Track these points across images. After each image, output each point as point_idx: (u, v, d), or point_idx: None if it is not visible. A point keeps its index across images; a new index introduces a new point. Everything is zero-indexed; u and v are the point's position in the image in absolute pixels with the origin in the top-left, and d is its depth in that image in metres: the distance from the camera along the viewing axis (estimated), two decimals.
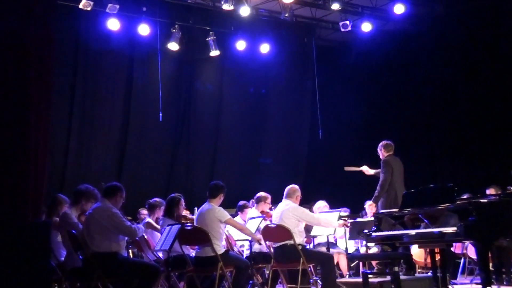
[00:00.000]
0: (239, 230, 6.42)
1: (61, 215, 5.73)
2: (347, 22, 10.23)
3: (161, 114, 9.98)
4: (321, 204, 7.92)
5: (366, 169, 7.90)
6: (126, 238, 5.48)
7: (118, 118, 10.26)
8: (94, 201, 5.76)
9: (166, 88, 10.35)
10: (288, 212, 6.15)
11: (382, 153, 7.62)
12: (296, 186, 6.46)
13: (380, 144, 7.71)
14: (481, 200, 5.64)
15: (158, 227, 6.49)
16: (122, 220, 5.13)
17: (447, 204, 5.60)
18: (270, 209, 7.25)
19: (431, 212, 5.78)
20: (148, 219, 6.83)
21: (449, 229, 5.46)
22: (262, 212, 7.07)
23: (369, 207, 7.85)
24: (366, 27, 10.59)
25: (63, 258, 5.77)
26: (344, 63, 11.56)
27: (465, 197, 6.32)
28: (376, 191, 7.40)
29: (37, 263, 4.47)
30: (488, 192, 7.63)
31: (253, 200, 7.43)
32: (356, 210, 8.65)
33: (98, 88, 10.02)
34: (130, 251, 7.40)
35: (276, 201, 6.78)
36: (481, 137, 9.91)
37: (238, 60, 11.10)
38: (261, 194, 7.31)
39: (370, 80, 11.55)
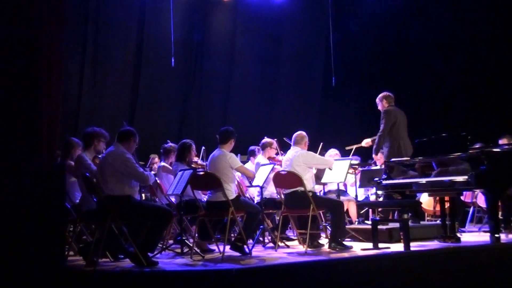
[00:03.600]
0: (249, 177, 6.49)
1: (76, 158, 5.81)
2: None
3: (173, 60, 9.91)
4: (333, 152, 7.95)
5: (366, 142, 7.72)
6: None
7: (130, 63, 10.24)
8: (105, 140, 5.83)
9: (178, 33, 10.24)
10: (299, 158, 6.16)
11: (383, 104, 7.48)
12: (304, 133, 6.43)
13: (381, 95, 7.53)
14: (494, 149, 5.62)
15: (172, 169, 6.59)
16: (135, 166, 5.19)
17: (459, 153, 5.59)
18: (277, 154, 7.27)
19: (443, 161, 5.78)
20: (163, 163, 6.92)
21: (460, 178, 5.49)
22: (269, 158, 7.10)
23: (377, 158, 7.82)
24: None
25: (78, 201, 5.89)
26: (361, 9, 11.28)
27: (477, 146, 6.29)
28: (375, 143, 7.36)
29: (52, 205, 4.57)
30: (500, 142, 7.59)
31: (259, 147, 7.44)
32: (367, 158, 8.67)
33: (110, 33, 9.95)
34: (143, 195, 7.54)
35: (288, 149, 6.78)
36: (495, 86, 9.77)
37: (251, 5, 10.90)
38: (266, 140, 7.31)
39: (386, 27, 11.29)
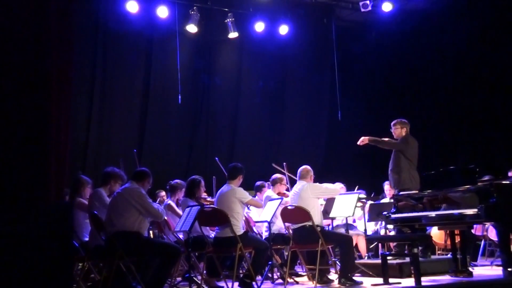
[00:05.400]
0: (260, 209, 6.51)
1: (93, 192, 5.84)
2: (367, 1, 10.11)
3: (180, 97, 10.01)
4: (338, 186, 7.92)
5: (362, 139, 7.31)
6: (149, 219, 5.55)
7: (137, 101, 10.34)
8: (121, 183, 5.90)
9: (185, 71, 10.37)
10: (307, 191, 6.16)
11: (400, 131, 7.16)
12: (308, 167, 6.48)
13: (399, 121, 7.21)
14: (503, 182, 5.58)
15: (179, 212, 6.56)
16: (150, 202, 5.30)
17: (468, 186, 5.55)
18: (287, 189, 7.26)
19: (452, 194, 5.74)
20: (170, 202, 6.90)
21: (470, 211, 5.43)
22: (279, 193, 7.10)
23: (388, 190, 7.71)
24: (387, 6, 10.46)
25: (86, 239, 5.87)
26: (364, 44, 11.41)
27: (486, 178, 6.25)
28: (380, 139, 7.07)
29: (60, 244, 4.55)
30: (510, 174, 7.54)
31: (269, 182, 7.44)
32: (375, 191, 8.62)
33: (118, 71, 10.08)
34: (151, 232, 7.50)
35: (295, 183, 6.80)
36: (504, 118, 9.76)
37: (256, 42, 11.04)
38: (276, 175, 7.32)
39: (391, 61, 11.40)
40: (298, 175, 6.46)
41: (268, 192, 7.26)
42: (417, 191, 6.37)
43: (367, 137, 7.21)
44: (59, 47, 4.93)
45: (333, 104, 11.53)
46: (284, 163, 7.65)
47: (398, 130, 7.23)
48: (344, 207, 6.72)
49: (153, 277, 5.06)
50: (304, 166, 6.48)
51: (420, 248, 6.36)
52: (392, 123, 7.30)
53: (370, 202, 7.73)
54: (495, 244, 7.74)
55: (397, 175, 6.99)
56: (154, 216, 5.31)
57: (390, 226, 7.43)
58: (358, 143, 7.31)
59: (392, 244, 7.47)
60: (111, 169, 6.00)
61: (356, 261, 6.42)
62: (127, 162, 7.40)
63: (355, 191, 7.51)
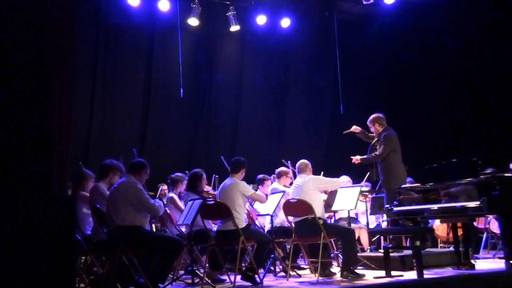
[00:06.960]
0: (262, 203, 6.51)
1: (93, 188, 5.83)
2: None
3: (181, 90, 10.01)
4: (344, 179, 7.93)
5: (355, 128, 7.56)
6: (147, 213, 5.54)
7: (139, 94, 10.33)
8: (120, 174, 5.87)
9: (186, 64, 10.36)
10: (309, 184, 6.16)
11: (375, 127, 7.24)
12: (306, 160, 6.51)
13: (371, 118, 7.27)
14: (505, 174, 5.58)
15: (181, 206, 6.56)
16: (146, 197, 5.23)
17: (471, 179, 5.55)
18: (291, 184, 7.26)
19: (454, 187, 5.74)
20: (172, 194, 6.91)
21: (472, 203, 5.44)
22: (284, 186, 7.10)
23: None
24: None
25: (88, 232, 5.89)
26: (366, 36, 11.38)
27: (488, 171, 6.25)
28: (366, 159, 7.15)
29: (63, 237, 4.56)
30: (511, 166, 7.53)
31: (274, 175, 7.45)
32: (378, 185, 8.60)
33: (119, 65, 10.07)
34: (153, 225, 7.53)
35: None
36: (505, 111, 9.74)
37: (258, 35, 11.03)
38: (282, 169, 7.33)
39: (393, 54, 11.36)
40: (297, 169, 6.49)
41: (274, 184, 7.26)
42: (419, 184, 6.37)
43: (359, 157, 7.29)
44: (60, 41, 4.93)
45: (335, 97, 11.50)
46: (289, 161, 7.62)
47: (373, 128, 7.31)
48: (347, 200, 6.73)
49: (156, 270, 5.07)
50: (302, 161, 6.51)
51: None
52: (368, 122, 7.35)
53: (372, 195, 7.73)
54: (497, 236, 7.74)
55: (393, 172, 6.97)
56: (149, 211, 5.26)
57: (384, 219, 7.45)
58: (348, 131, 7.53)
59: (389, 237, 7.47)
60: (110, 161, 5.96)
61: (358, 254, 6.43)
62: (127, 157, 7.39)
63: (362, 183, 7.50)
